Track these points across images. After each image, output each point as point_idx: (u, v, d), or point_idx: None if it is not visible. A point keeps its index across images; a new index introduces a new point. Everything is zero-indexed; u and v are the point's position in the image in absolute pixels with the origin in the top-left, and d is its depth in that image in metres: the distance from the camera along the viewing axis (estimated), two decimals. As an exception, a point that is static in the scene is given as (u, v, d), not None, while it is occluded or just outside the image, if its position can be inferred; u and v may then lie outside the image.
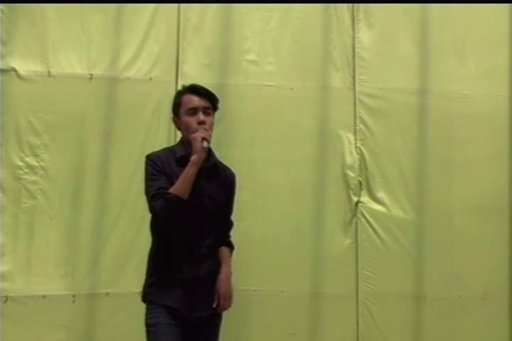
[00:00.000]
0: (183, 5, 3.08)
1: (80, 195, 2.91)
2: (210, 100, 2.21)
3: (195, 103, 2.18)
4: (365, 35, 3.21)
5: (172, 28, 3.07)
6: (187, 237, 2.14)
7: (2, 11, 2.90)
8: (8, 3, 2.90)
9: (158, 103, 2.99)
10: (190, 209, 2.09)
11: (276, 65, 3.14)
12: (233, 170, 2.38)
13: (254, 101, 3.09)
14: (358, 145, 3.14)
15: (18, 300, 2.79)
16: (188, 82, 2.32)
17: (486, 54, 3.27)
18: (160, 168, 2.14)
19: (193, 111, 2.18)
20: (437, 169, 3.17)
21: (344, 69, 3.18)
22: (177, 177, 2.11)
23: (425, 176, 3.16)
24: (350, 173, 3.11)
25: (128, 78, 3.01)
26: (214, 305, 2.19)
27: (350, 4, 3.20)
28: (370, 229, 3.09)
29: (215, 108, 2.25)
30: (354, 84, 3.17)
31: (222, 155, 2.43)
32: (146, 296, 2.17)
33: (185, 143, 2.21)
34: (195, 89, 2.21)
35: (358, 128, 3.15)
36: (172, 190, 2.07)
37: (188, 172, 2.08)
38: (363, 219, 3.09)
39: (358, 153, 3.13)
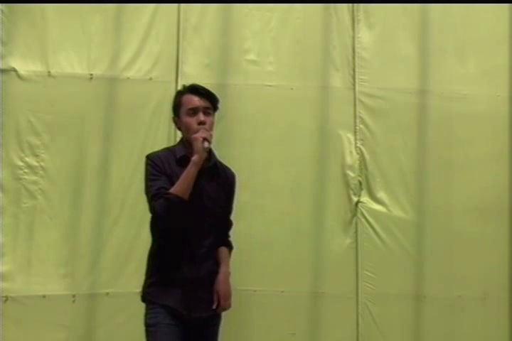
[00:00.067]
0: (183, 5, 3.08)
1: (80, 195, 2.91)
2: (210, 100, 2.21)
3: (196, 103, 2.18)
4: (365, 35, 3.21)
5: (172, 28, 3.07)
6: (187, 237, 2.15)
7: (2, 11, 2.90)
8: (8, 3, 2.90)
9: (158, 103, 2.99)
10: (191, 210, 2.09)
11: (276, 65, 3.14)
12: (233, 170, 2.38)
13: (254, 101, 3.09)
14: (358, 145, 3.14)
15: (18, 300, 2.79)
16: (188, 82, 2.32)
17: (486, 54, 3.27)
18: (160, 168, 2.14)
19: (193, 111, 2.18)
20: (437, 169, 3.17)
21: (344, 69, 3.18)
22: (177, 177, 2.11)
23: (425, 176, 3.16)
24: (350, 173, 3.11)
25: (128, 78, 3.01)
26: (214, 306, 2.19)
27: (350, 4, 3.20)
28: (370, 229, 3.09)
29: (215, 108, 2.25)
30: (354, 84, 3.17)
31: (222, 155, 2.43)
32: (146, 296, 2.18)
33: (186, 143, 2.21)
34: (195, 89, 2.21)
35: (358, 128, 3.15)
36: (173, 190, 2.07)
37: (189, 173, 2.08)
38: (363, 219, 3.09)
39: (358, 153, 3.13)
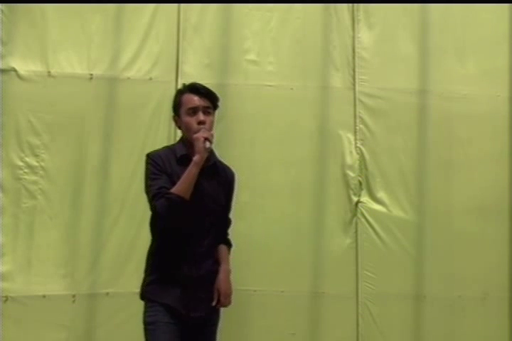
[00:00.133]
0: (183, 5, 3.08)
1: (80, 195, 2.91)
2: (210, 99, 2.21)
3: (195, 103, 2.18)
4: (365, 35, 3.20)
5: (172, 28, 3.07)
6: (187, 236, 2.15)
7: (2, 11, 2.90)
8: (8, 3, 2.90)
9: (158, 103, 2.99)
10: (191, 209, 2.09)
11: (276, 65, 3.14)
12: (233, 169, 2.39)
13: (254, 101, 3.09)
14: (358, 145, 3.14)
15: (18, 300, 2.79)
16: (188, 82, 2.31)
17: (486, 54, 3.27)
18: (161, 167, 2.14)
19: (193, 110, 2.18)
20: (437, 169, 3.17)
21: (344, 69, 3.18)
22: (177, 176, 2.11)
23: (425, 176, 3.16)
24: (350, 173, 3.11)
25: (128, 78, 3.01)
26: (213, 304, 2.19)
27: (350, 4, 3.20)
28: (370, 229, 3.09)
29: (215, 107, 2.25)
30: (354, 84, 3.17)
31: (222, 155, 2.43)
32: (145, 294, 2.18)
33: (186, 142, 2.21)
34: (195, 89, 2.21)
35: (358, 128, 3.15)
36: (174, 189, 2.07)
37: (190, 173, 2.08)
38: (363, 219, 3.09)
39: (358, 153, 3.13)
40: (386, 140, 3.15)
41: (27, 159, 2.88)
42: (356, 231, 3.08)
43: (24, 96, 2.90)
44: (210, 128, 2.19)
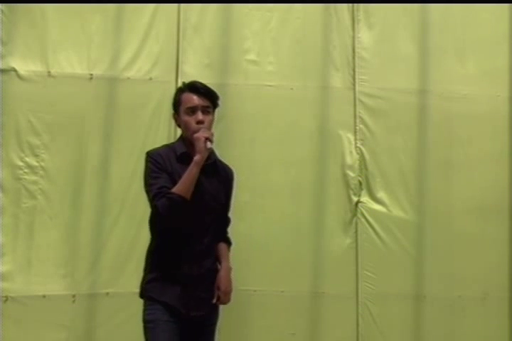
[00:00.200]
0: (183, 5, 3.08)
1: (80, 195, 2.91)
2: (209, 99, 2.21)
3: (194, 102, 2.18)
4: (365, 35, 3.20)
5: (172, 28, 3.07)
6: (187, 235, 2.15)
7: (2, 11, 2.90)
8: (8, 3, 2.90)
9: (158, 103, 2.98)
10: (191, 207, 2.09)
11: (276, 65, 3.14)
12: (232, 168, 2.39)
13: (254, 101, 3.09)
14: (358, 145, 3.14)
15: (18, 300, 2.79)
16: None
17: (486, 54, 3.26)
18: (161, 165, 2.14)
19: (192, 110, 2.18)
20: (437, 169, 3.17)
21: (344, 69, 3.18)
22: (178, 174, 2.11)
23: (425, 176, 3.16)
24: (350, 173, 3.11)
25: (128, 78, 3.00)
26: (214, 301, 2.20)
27: (350, 4, 3.20)
28: (370, 229, 3.09)
29: (215, 106, 2.25)
30: (354, 84, 3.17)
31: (222, 155, 2.43)
32: (144, 292, 2.18)
33: (185, 140, 2.22)
34: (194, 88, 2.21)
35: (358, 128, 3.15)
36: (175, 189, 2.07)
37: (191, 172, 2.08)
38: (363, 219, 3.09)
39: (358, 153, 3.13)
40: (386, 140, 3.15)
41: (27, 159, 2.88)
42: (356, 231, 3.08)
43: (24, 96, 2.90)
44: (209, 128, 2.19)
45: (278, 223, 3.04)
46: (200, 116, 2.17)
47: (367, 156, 3.13)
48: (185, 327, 2.13)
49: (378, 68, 3.19)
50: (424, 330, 3.06)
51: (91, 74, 2.97)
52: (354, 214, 3.09)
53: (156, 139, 2.92)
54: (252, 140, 3.07)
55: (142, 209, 2.25)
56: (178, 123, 2.26)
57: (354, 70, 3.18)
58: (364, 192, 3.11)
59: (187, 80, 2.35)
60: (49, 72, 2.94)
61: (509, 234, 3.16)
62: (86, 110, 2.96)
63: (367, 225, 3.08)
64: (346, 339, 3.03)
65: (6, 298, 2.77)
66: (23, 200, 2.86)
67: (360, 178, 3.12)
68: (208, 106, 2.21)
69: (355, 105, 3.16)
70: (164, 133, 2.97)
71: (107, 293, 2.87)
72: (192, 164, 2.09)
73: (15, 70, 2.90)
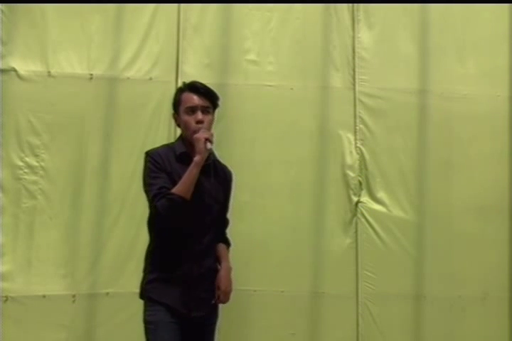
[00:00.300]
0: (183, 5, 3.08)
1: (80, 195, 2.91)
2: (209, 99, 2.22)
3: (194, 102, 2.18)
4: (365, 35, 3.20)
5: (172, 28, 3.07)
6: (187, 235, 2.15)
7: (2, 11, 2.90)
8: (8, 3, 2.90)
9: (158, 103, 2.98)
10: (191, 207, 2.09)
11: (276, 65, 3.14)
12: (230, 168, 2.39)
13: (254, 101, 3.09)
14: (358, 145, 3.14)
15: (18, 300, 2.79)
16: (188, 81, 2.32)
17: (486, 54, 3.27)
18: (160, 165, 2.14)
19: (192, 109, 2.18)
20: (437, 169, 3.17)
21: (344, 69, 3.18)
22: (177, 174, 2.11)
23: (425, 176, 3.16)
24: (350, 173, 3.11)
25: (128, 78, 3.00)
26: (213, 301, 2.20)
27: (350, 4, 3.20)
28: (370, 229, 3.09)
29: (215, 106, 2.25)
30: (354, 84, 3.17)
31: (222, 155, 2.43)
32: (144, 293, 2.18)
33: (185, 140, 2.22)
34: (195, 88, 2.21)
35: (358, 128, 3.15)
36: (175, 190, 2.07)
37: (191, 173, 2.08)
38: (363, 219, 3.09)
39: (358, 153, 3.13)
40: (386, 140, 3.15)
41: (27, 159, 2.88)
42: (356, 231, 3.08)
43: (24, 96, 2.90)
44: (209, 128, 2.19)
45: (278, 223, 3.04)
46: (199, 115, 2.17)
47: (367, 156, 3.13)
48: (185, 327, 2.13)
49: (378, 68, 3.19)
50: (424, 330, 3.06)
51: (91, 74, 2.97)
52: (354, 214, 3.09)
53: (156, 139, 2.92)
54: (252, 140, 3.07)
55: (142, 209, 2.25)
56: (178, 123, 2.26)
57: (354, 70, 3.18)
58: (364, 192, 3.11)
59: (187, 80, 2.35)
60: (49, 72, 2.94)
61: (509, 234, 3.16)
62: (86, 110, 2.96)
63: (367, 225, 3.09)
64: (346, 339, 3.03)
65: (6, 298, 2.77)
66: (23, 200, 2.86)
67: (360, 178, 3.12)
68: (207, 107, 2.21)
69: (355, 105, 3.16)
70: (164, 133, 2.97)
71: (107, 293, 2.87)
72: (192, 165, 2.09)
73: (15, 70, 2.90)
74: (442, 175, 3.17)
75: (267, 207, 3.04)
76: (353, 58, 3.18)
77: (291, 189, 3.07)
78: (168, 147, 2.26)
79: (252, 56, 3.12)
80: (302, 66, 3.16)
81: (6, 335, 2.72)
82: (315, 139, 3.12)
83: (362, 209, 3.10)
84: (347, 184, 3.10)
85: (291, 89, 3.13)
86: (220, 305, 2.30)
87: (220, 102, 2.28)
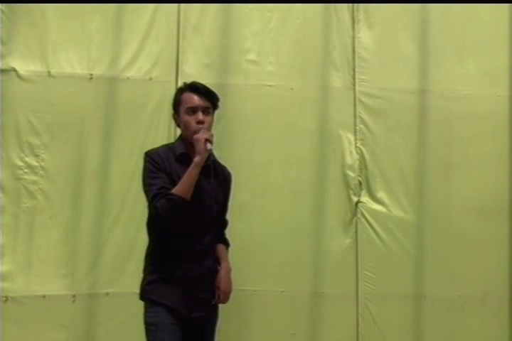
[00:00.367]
0: (183, 5, 3.08)
1: (80, 195, 2.91)
2: (210, 99, 2.21)
3: (195, 102, 2.18)
4: (365, 35, 3.20)
5: (172, 28, 3.07)
6: (186, 235, 2.15)
7: (2, 11, 2.90)
8: (8, 3, 2.90)
9: (158, 103, 2.98)
10: (191, 208, 2.09)
11: (276, 65, 3.14)
12: (229, 169, 2.39)
13: (254, 101, 3.09)
14: (358, 145, 3.14)
15: (18, 300, 2.79)
16: (188, 81, 2.31)
17: (486, 54, 3.27)
18: (160, 166, 2.14)
19: (193, 110, 2.18)
20: (437, 169, 3.17)
21: (344, 69, 3.18)
22: (177, 174, 2.11)
23: (425, 176, 3.16)
24: (350, 173, 3.11)
25: (128, 78, 3.00)
26: (214, 302, 2.20)
27: (350, 4, 3.20)
28: (370, 229, 3.09)
29: (215, 107, 2.25)
30: (354, 84, 3.17)
31: (222, 155, 2.43)
32: (145, 294, 2.17)
33: (185, 140, 2.21)
34: (195, 88, 2.21)
35: (358, 128, 3.15)
36: (175, 190, 2.07)
37: (191, 174, 2.08)
38: (363, 219, 3.09)
39: (358, 153, 3.13)
40: (386, 140, 3.15)
41: (27, 159, 2.88)
42: (356, 231, 3.08)
43: (24, 96, 2.90)
44: (209, 129, 2.19)
45: (278, 223, 3.04)
46: (200, 116, 2.17)
47: (367, 156, 3.13)
48: (186, 328, 2.13)
49: (378, 68, 3.19)
50: (424, 330, 3.06)
51: (91, 74, 2.97)
52: (354, 214, 3.09)
53: (156, 139, 2.92)
54: (252, 140, 3.07)
55: (142, 209, 2.24)
56: (178, 123, 2.26)
57: (354, 70, 3.18)
58: (364, 192, 3.11)
59: (187, 80, 2.35)
60: (49, 72, 2.94)
61: (509, 234, 3.16)
62: (86, 110, 2.96)
63: (367, 225, 3.09)
64: (346, 339, 3.03)
65: (6, 298, 2.77)
66: (23, 200, 2.86)
67: (360, 178, 3.12)
68: (208, 107, 2.21)
69: (355, 105, 3.16)
70: (164, 133, 2.97)
71: (107, 293, 2.87)
72: (192, 165, 2.09)
73: (15, 70, 2.90)
74: (442, 175, 3.17)
75: (266, 207, 3.04)
76: (353, 58, 3.18)
77: (291, 189, 3.07)
78: (167, 147, 2.25)
79: (252, 56, 3.12)
80: (302, 66, 3.16)
81: (6, 335, 2.72)
82: (315, 139, 3.12)
83: (362, 209, 3.10)
84: (347, 184, 3.10)
85: (291, 89, 3.13)
86: (220, 306, 2.30)
87: (220, 103, 2.28)
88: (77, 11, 2.97)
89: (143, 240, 2.31)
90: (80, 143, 2.94)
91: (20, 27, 2.93)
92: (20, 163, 2.87)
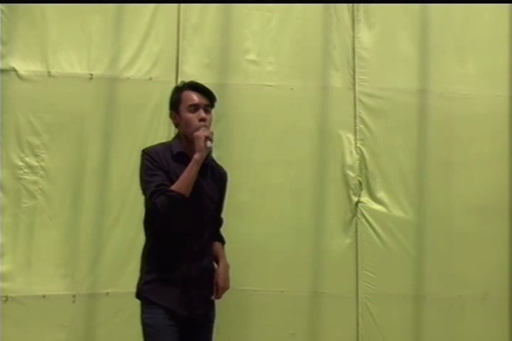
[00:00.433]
0: (183, 5, 3.08)
1: (80, 195, 2.91)
2: (209, 98, 2.22)
3: (197, 100, 2.19)
4: (365, 35, 3.20)
5: (172, 28, 3.07)
6: (184, 235, 2.14)
7: (2, 11, 2.90)
8: (8, 3, 2.90)
9: (158, 103, 2.98)
10: (190, 206, 2.09)
11: (276, 65, 3.14)
12: (226, 169, 2.40)
13: (254, 101, 3.09)
14: (358, 145, 3.14)
15: (18, 300, 2.79)
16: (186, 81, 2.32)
17: (486, 54, 3.27)
18: (158, 163, 2.13)
19: (195, 107, 2.18)
20: (437, 169, 3.17)
21: (344, 69, 3.18)
22: (174, 173, 2.11)
23: (425, 176, 3.16)
24: (350, 173, 3.11)
25: (128, 78, 3.01)
26: (212, 298, 2.20)
27: (350, 4, 3.20)
28: (370, 229, 3.09)
29: (212, 106, 2.26)
30: (354, 84, 3.17)
31: (222, 155, 2.44)
32: (142, 293, 2.17)
33: (182, 138, 2.21)
34: (195, 86, 2.22)
35: (358, 128, 3.15)
36: (174, 187, 2.06)
37: (191, 171, 2.08)
38: (363, 219, 3.09)
39: (358, 153, 3.13)
40: (386, 140, 3.15)
41: (27, 159, 2.88)
42: (356, 231, 3.08)
43: (24, 96, 2.90)
44: (209, 126, 2.19)
45: (278, 223, 3.03)
46: (202, 113, 2.17)
47: (367, 156, 3.13)
48: (184, 327, 2.13)
49: (378, 68, 3.19)
50: (424, 330, 3.06)
51: (91, 74, 2.97)
52: (354, 214, 3.09)
53: (156, 139, 2.91)
54: (252, 140, 3.07)
55: (142, 209, 2.24)
56: (176, 122, 2.25)
57: (354, 70, 3.18)
58: (364, 192, 3.11)
59: (187, 80, 2.35)
60: (49, 72, 2.94)
61: (509, 234, 3.16)
62: (86, 110, 2.96)
63: (367, 225, 3.09)
64: (346, 339, 3.03)
65: (6, 298, 2.77)
66: (23, 200, 2.86)
67: (360, 178, 3.12)
68: (208, 105, 2.22)
69: (355, 105, 3.16)
70: (164, 133, 2.97)
71: (107, 293, 2.87)
72: (192, 162, 2.09)
73: (15, 70, 2.90)
74: (442, 175, 3.17)
75: (266, 207, 3.04)
76: (353, 58, 3.18)
77: (291, 189, 3.07)
78: (164, 146, 2.25)
79: (252, 56, 3.12)
80: (302, 66, 3.16)
81: (6, 335, 2.72)
82: (315, 139, 3.12)
83: (362, 209, 3.10)
84: (347, 184, 3.10)
85: (291, 89, 3.13)
86: (220, 305, 2.30)
87: (216, 103, 2.28)
88: (77, 11, 2.97)
89: (143, 240, 2.31)
90: (80, 143, 2.94)
91: (20, 27, 2.93)
92: (20, 163, 2.87)
